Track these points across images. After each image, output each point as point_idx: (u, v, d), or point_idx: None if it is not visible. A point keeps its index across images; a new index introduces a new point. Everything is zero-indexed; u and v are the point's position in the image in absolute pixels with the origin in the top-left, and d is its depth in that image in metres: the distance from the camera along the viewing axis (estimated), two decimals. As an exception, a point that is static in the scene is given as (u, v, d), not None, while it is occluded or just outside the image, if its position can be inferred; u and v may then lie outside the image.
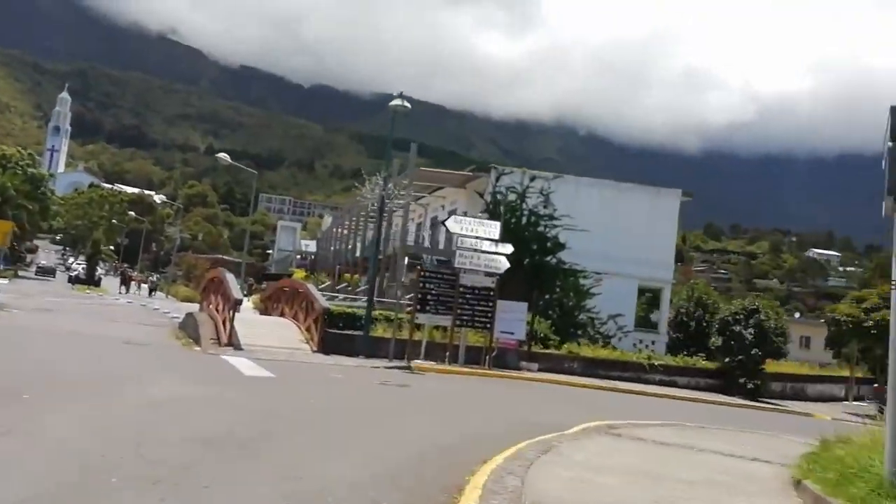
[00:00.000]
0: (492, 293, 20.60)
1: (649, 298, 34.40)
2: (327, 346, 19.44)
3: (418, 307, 20.12)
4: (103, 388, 10.60)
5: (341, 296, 32.35)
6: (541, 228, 25.00)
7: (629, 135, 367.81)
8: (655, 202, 33.88)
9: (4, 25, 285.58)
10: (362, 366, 17.97)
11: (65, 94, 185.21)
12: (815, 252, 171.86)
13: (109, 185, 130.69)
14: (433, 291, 20.23)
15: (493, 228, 21.26)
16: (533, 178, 26.35)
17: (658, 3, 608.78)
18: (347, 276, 43.25)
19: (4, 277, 44.07)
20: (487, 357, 20.56)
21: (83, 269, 68.78)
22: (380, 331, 20.84)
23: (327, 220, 70.16)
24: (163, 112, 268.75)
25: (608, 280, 27.36)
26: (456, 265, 20.72)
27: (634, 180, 36.51)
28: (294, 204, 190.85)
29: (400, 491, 6.18)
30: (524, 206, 25.39)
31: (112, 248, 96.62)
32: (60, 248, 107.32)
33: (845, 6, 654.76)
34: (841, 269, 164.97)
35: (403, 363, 18.76)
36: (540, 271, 24.27)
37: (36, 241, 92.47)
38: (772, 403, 23.48)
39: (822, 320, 59.41)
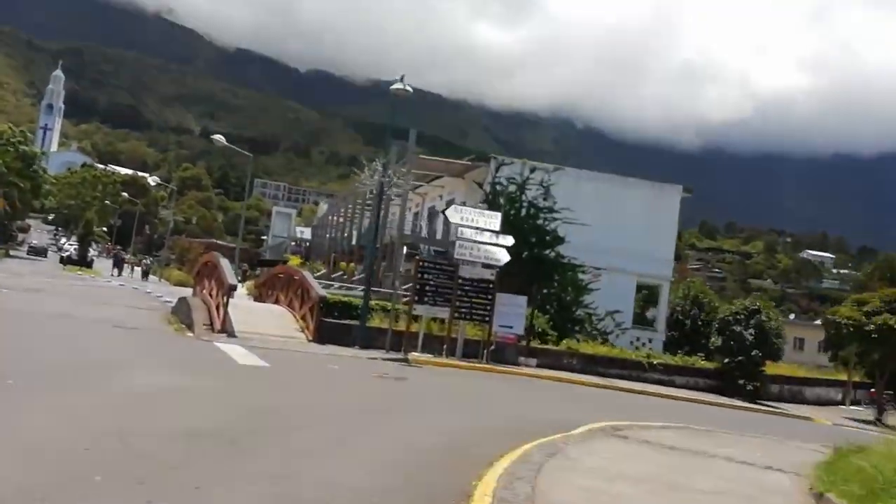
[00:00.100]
0: (491, 286, 20.20)
1: (645, 295, 34.03)
2: (323, 335, 19.12)
3: (416, 298, 19.72)
4: (91, 376, 10.26)
5: (336, 284, 31.94)
6: (540, 221, 24.48)
7: (624, 128, 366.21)
8: (656, 198, 33.36)
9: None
10: (358, 357, 17.63)
11: (58, 72, 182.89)
12: (810, 253, 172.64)
13: (103, 166, 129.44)
14: (431, 283, 19.80)
15: (494, 219, 20.81)
16: (533, 170, 25.84)
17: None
18: (343, 264, 42.82)
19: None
20: (486, 351, 20.18)
21: (75, 249, 68.01)
22: (376, 321, 20.44)
23: (323, 207, 69.78)
24: (158, 92, 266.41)
25: (606, 276, 26.93)
26: (455, 256, 20.29)
27: (631, 175, 36.09)
28: (289, 190, 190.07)
29: (405, 497, 5.84)
30: (524, 197, 24.90)
31: (105, 229, 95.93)
32: (53, 228, 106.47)
33: (845, 6, 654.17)
34: (835, 271, 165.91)
35: (400, 355, 18.41)
36: (539, 265, 23.84)
37: (28, 221, 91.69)
38: (771, 406, 23.24)
39: (817, 322, 59.66)
